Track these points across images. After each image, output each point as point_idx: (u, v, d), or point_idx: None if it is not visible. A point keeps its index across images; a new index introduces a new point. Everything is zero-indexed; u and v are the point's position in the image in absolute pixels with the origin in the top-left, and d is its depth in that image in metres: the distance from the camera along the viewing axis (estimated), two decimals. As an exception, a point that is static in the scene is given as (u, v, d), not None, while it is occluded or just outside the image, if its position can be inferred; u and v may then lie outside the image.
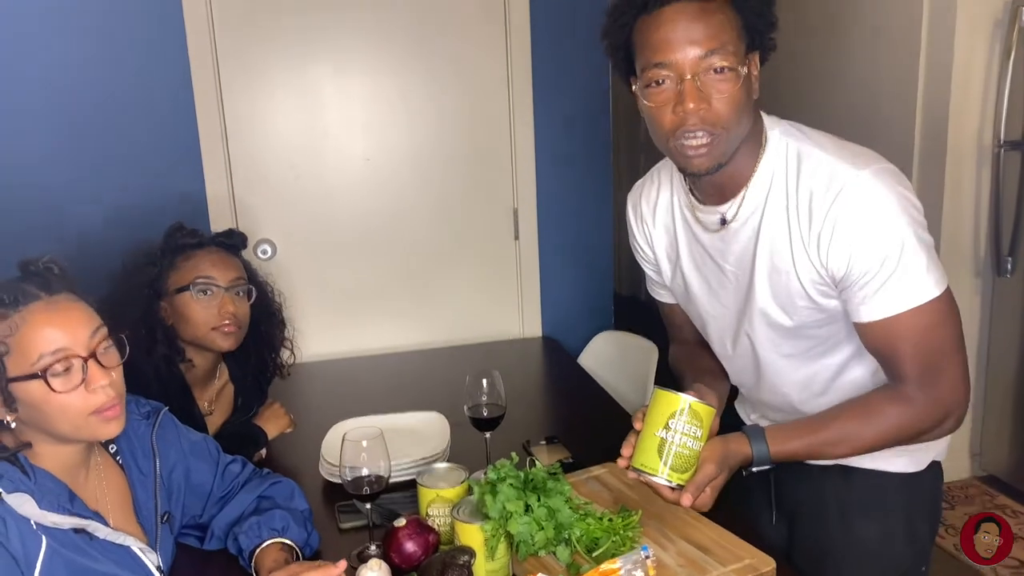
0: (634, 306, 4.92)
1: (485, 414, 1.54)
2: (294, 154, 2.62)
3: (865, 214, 1.13)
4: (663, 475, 1.18)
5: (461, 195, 2.76)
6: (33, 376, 1.08)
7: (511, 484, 1.25)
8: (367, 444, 1.32)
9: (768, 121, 1.23)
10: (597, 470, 1.53)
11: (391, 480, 1.36)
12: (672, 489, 1.19)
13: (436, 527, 1.32)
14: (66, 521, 1.12)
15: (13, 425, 1.11)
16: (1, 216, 2.37)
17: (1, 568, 1.05)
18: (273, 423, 1.81)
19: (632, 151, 4.79)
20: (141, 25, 2.42)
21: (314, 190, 2.65)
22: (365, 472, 1.32)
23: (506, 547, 1.23)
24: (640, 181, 1.44)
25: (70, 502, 1.14)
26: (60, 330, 1.10)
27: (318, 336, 2.60)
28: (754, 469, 1.24)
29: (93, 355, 1.12)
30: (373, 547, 1.34)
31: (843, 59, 3.11)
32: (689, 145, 1.15)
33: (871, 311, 1.17)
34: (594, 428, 1.90)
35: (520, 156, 2.76)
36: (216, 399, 1.82)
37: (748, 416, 1.52)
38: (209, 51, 2.48)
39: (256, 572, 1.27)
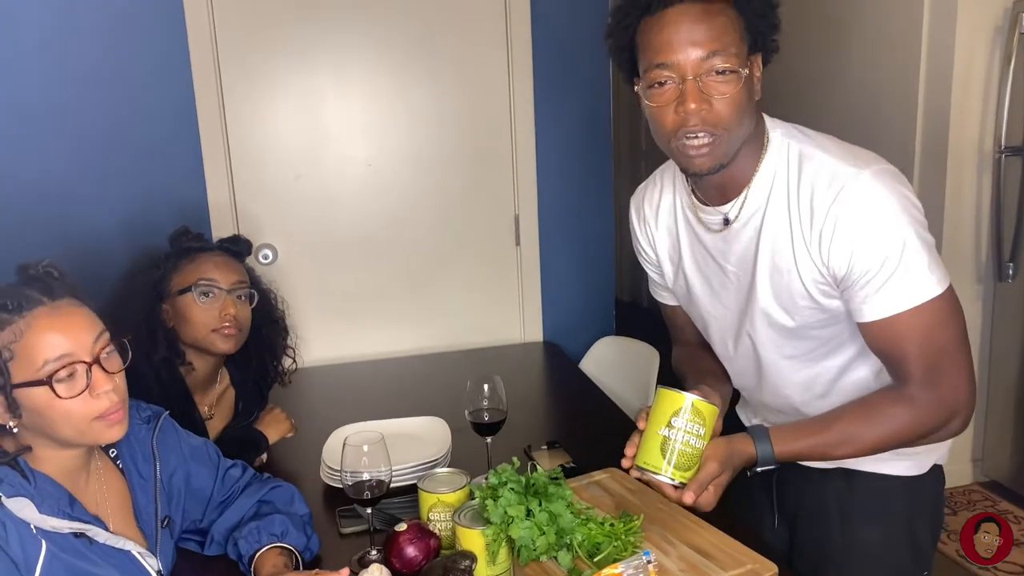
0: (635, 312, 4.94)
1: (486, 419, 1.54)
2: (295, 159, 2.62)
3: (866, 213, 1.13)
4: (666, 473, 1.18)
5: (462, 200, 2.76)
6: (38, 383, 1.08)
7: (512, 489, 1.25)
8: (368, 449, 1.32)
9: (770, 123, 1.24)
10: (599, 475, 1.53)
11: (392, 485, 1.36)
12: (675, 488, 1.19)
13: (437, 532, 1.31)
14: (66, 525, 1.11)
15: (16, 430, 1.11)
16: (5, 223, 2.37)
17: (1, 572, 1.04)
18: (274, 428, 1.81)
19: (633, 157, 4.80)
20: (143, 33, 2.42)
21: (315, 195, 2.65)
22: (366, 477, 1.32)
23: (507, 552, 1.23)
24: (643, 184, 1.45)
25: (70, 506, 1.14)
26: (64, 336, 1.10)
27: (319, 341, 2.60)
28: (758, 469, 1.23)
29: (97, 360, 1.12)
30: (374, 552, 1.34)
31: (844, 65, 3.11)
32: (691, 145, 1.15)
33: (873, 310, 1.17)
34: (595, 433, 1.89)
35: (521, 161, 2.77)
36: (217, 404, 1.82)
37: (749, 420, 1.52)
38: (211, 57, 2.48)
39: (256, 577, 1.26)
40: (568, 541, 1.22)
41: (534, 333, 2.89)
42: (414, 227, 2.74)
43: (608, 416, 2.03)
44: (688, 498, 1.16)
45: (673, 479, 1.18)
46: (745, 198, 1.23)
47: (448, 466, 1.55)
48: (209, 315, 1.67)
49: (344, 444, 1.33)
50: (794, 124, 1.26)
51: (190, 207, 2.52)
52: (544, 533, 1.21)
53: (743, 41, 1.14)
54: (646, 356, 2.34)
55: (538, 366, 2.72)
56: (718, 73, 1.12)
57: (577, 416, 2.12)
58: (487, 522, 1.23)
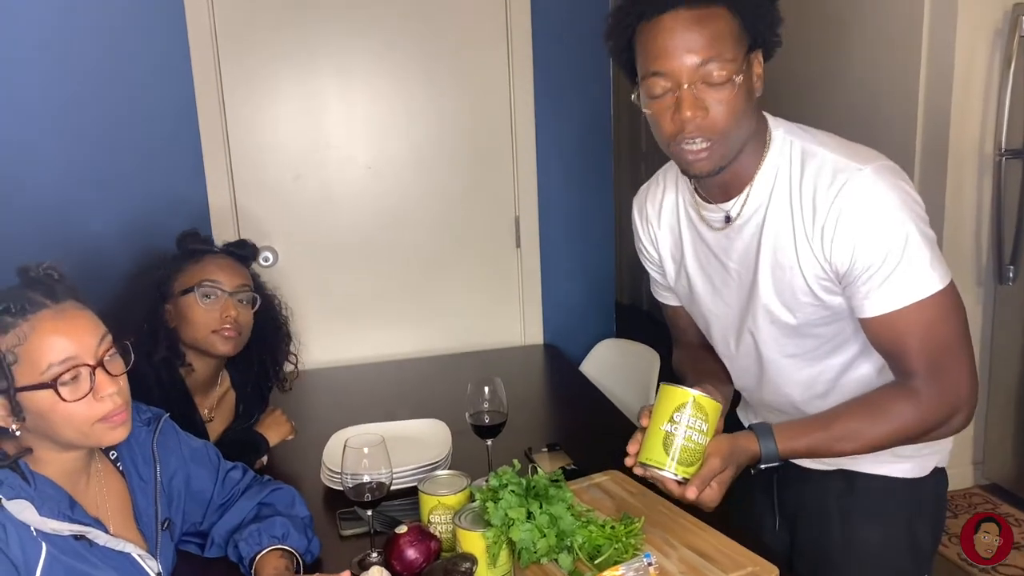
0: (636, 315, 4.94)
1: (487, 421, 1.54)
2: (296, 161, 2.62)
3: (868, 208, 1.14)
4: (669, 468, 1.18)
5: (463, 202, 2.76)
6: (43, 386, 1.08)
7: (513, 491, 1.25)
8: (369, 451, 1.32)
9: (772, 121, 1.25)
10: (599, 477, 1.53)
11: (392, 487, 1.36)
12: (679, 483, 1.18)
13: (438, 534, 1.31)
14: (66, 528, 1.11)
15: (18, 433, 1.11)
16: (5, 226, 2.37)
17: (1, 574, 1.04)
18: (274, 430, 1.81)
19: (634, 158, 4.81)
20: (144, 34, 2.43)
21: (315, 197, 2.65)
22: (367, 479, 1.32)
23: (508, 554, 1.23)
24: (645, 185, 1.46)
25: (70, 509, 1.14)
26: (68, 339, 1.10)
27: (320, 343, 2.60)
28: (762, 466, 1.23)
29: (100, 363, 1.12)
30: (374, 554, 1.33)
31: (844, 67, 3.12)
32: (689, 150, 1.16)
33: (875, 305, 1.17)
34: (596, 435, 1.89)
35: (522, 164, 2.77)
36: (217, 406, 1.82)
37: (749, 422, 1.51)
38: (211, 59, 2.49)
39: (256, 579, 1.26)
40: (569, 543, 1.22)
41: (534, 335, 2.89)
42: (414, 229, 2.74)
43: (608, 418, 2.03)
44: (691, 493, 1.16)
45: (676, 474, 1.18)
46: (747, 195, 1.23)
47: (449, 468, 1.55)
48: (210, 316, 1.67)
49: (345, 446, 1.33)
50: (796, 123, 1.26)
51: (190, 209, 2.52)
52: (545, 535, 1.21)
53: (741, 42, 1.14)
54: (646, 358, 2.33)
55: (538, 368, 2.72)
56: (713, 80, 1.12)
57: (578, 418, 2.12)
58: (488, 524, 1.23)
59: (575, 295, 2.91)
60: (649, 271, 1.50)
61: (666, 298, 1.51)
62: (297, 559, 1.30)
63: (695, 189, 1.32)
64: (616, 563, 1.20)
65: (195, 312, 1.67)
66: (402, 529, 1.27)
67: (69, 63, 2.39)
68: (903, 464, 1.33)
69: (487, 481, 1.32)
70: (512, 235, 2.82)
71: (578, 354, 2.71)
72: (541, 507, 1.23)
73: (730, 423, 1.51)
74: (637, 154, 4.81)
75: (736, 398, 1.52)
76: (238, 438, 1.75)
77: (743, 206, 1.24)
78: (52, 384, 1.08)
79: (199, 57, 2.47)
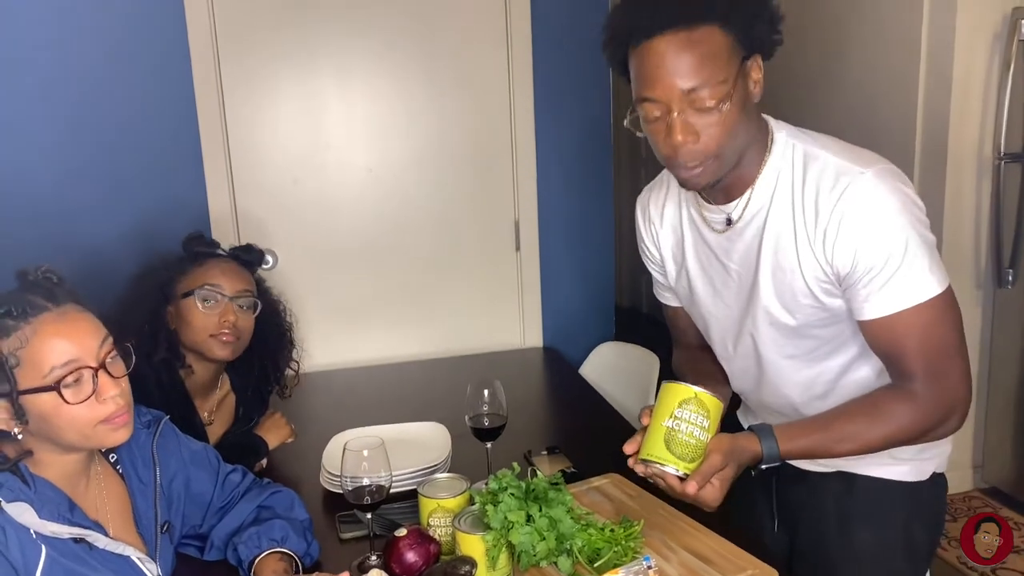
0: (635, 318, 4.94)
1: (486, 424, 1.54)
2: (296, 165, 2.62)
3: (870, 211, 1.14)
4: (671, 464, 1.18)
5: (463, 206, 2.77)
6: (46, 388, 1.08)
7: (512, 494, 1.25)
8: (368, 454, 1.32)
9: (774, 124, 1.25)
10: (599, 480, 1.53)
11: (392, 490, 1.36)
12: (680, 480, 1.18)
13: (437, 537, 1.31)
14: (66, 530, 1.11)
15: (20, 437, 1.11)
16: (6, 231, 2.37)
17: (1, 577, 1.04)
18: (274, 433, 1.81)
19: (633, 162, 4.81)
20: (145, 40, 2.43)
21: (316, 200, 2.66)
22: (366, 482, 1.32)
23: (507, 557, 1.23)
24: (648, 185, 1.46)
25: (70, 511, 1.14)
26: (70, 341, 1.10)
27: (320, 346, 2.60)
28: (763, 467, 1.23)
29: (103, 365, 1.12)
30: (374, 557, 1.33)
31: (843, 70, 3.12)
32: (683, 167, 1.18)
33: (875, 308, 1.18)
34: (595, 438, 1.89)
35: (522, 167, 2.77)
36: (217, 409, 1.82)
37: (749, 424, 1.51)
38: (212, 62, 2.49)
39: (256, 582, 1.26)
40: (568, 546, 1.22)
41: (534, 338, 2.89)
42: (414, 232, 2.74)
43: (608, 421, 2.02)
44: (691, 488, 1.16)
45: (678, 470, 1.18)
46: (749, 198, 1.24)
47: (448, 471, 1.55)
48: (209, 320, 1.67)
49: (344, 449, 1.33)
50: (797, 126, 1.26)
51: (191, 212, 2.52)
52: (544, 538, 1.21)
53: (735, 56, 1.13)
54: (646, 361, 2.34)
55: (538, 371, 2.72)
56: (703, 106, 1.12)
57: (577, 421, 2.12)
58: (487, 527, 1.23)
59: (575, 298, 2.92)
60: (651, 271, 1.50)
61: (667, 298, 1.51)
62: (296, 562, 1.30)
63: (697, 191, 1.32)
64: (616, 566, 1.20)
65: (194, 315, 1.67)
66: (401, 532, 1.27)
67: (70, 66, 2.39)
68: (901, 467, 1.34)
69: (486, 484, 1.32)
70: (512, 238, 2.82)
71: (578, 357, 2.72)
72: (540, 510, 1.23)
73: (730, 426, 1.51)
74: (637, 157, 4.81)
75: (736, 401, 1.52)
76: (238, 441, 1.75)
77: (744, 208, 1.25)
78: (55, 387, 1.08)
79: (199, 59, 2.47)
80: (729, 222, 1.27)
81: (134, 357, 1.19)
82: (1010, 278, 2.73)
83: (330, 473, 1.60)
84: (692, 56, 1.10)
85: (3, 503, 1.07)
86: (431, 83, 2.67)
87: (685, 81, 1.10)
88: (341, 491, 1.36)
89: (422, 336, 2.78)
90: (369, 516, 1.35)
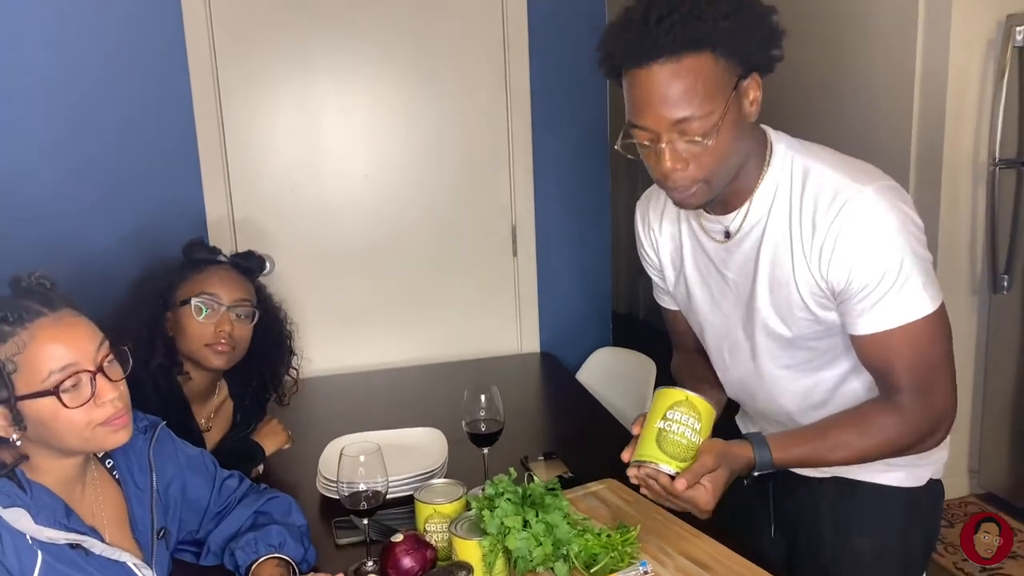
0: (632, 323, 4.94)
1: (483, 429, 1.54)
2: (294, 171, 2.63)
3: (867, 229, 1.14)
4: (663, 462, 1.18)
5: (460, 211, 2.77)
6: (44, 393, 1.08)
7: (509, 499, 1.25)
8: (365, 459, 1.32)
9: (774, 135, 1.25)
10: (595, 486, 1.53)
11: (388, 496, 1.36)
12: (672, 478, 1.19)
13: (434, 543, 1.31)
14: (62, 536, 1.11)
15: (19, 443, 1.11)
16: (7, 235, 2.37)
17: (-3, 582, 1.04)
18: (271, 439, 1.80)
19: (630, 167, 4.81)
20: (142, 44, 2.43)
21: (313, 206, 2.66)
22: (362, 487, 1.32)
23: (504, 563, 1.23)
24: (648, 191, 1.46)
25: (66, 517, 1.14)
26: (67, 346, 1.10)
27: (316, 352, 2.59)
28: (755, 473, 1.24)
29: (100, 369, 1.13)
30: (370, 563, 1.33)
31: (838, 78, 3.13)
32: (674, 191, 1.19)
33: (867, 324, 1.18)
34: (592, 444, 1.89)
35: (518, 172, 2.77)
36: (214, 415, 1.82)
37: (748, 429, 1.52)
38: (210, 70, 2.49)
39: (253, 588, 1.26)
40: (565, 552, 1.22)
41: (531, 344, 2.89)
42: (411, 238, 2.75)
43: (605, 427, 2.03)
44: (680, 485, 1.16)
45: (670, 468, 1.18)
46: (748, 210, 1.24)
47: (445, 477, 1.55)
48: (205, 329, 1.67)
49: (340, 455, 1.33)
50: (796, 138, 1.26)
51: (188, 217, 2.52)
52: (541, 544, 1.21)
53: (728, 81, 1.11)
54: (643, 367, 2.34)
55: (535, 377, 2.72)
56: (691, 136, 1.11)
57: (574, 427, 2.12)
58: (484, 533, 1.23)
59: (572, 303, 2.92)
60: (650, 274, 1.50)
61: (666, 302, 1.52)
62: (294, 568, 1.30)
63: None
64: (612, 571, 1.20)
65: (190, 324, 1.67)
66: (398, 538, 1.27)
67: (67, 71, 2.39)
68: (897, 473, 1.34)
69: (483, 489, 1.32)
70: (509, 244, 2.82)
71: (575, 362, 2.72)
72: (537, 515, 1.23)
73: (728, 431, 1.51)
74: (634, 162, 4.82)
75: (735, 406, 1.52)
76: (234, 447, 1.75)
77: (743, 220, 1.25)
78: (53, 391, 1.08)
79: (196, 63, 2.47)
80: (727, 235, 1.28)
81: (131, 360, 1.19)
82: (1005, 283, 2.74)
83: (327, 479, 1.59)
84: (681, 86, 1.09)
85: (0, 508, 1.06)
86: (428, 89, 2.68)
87: (674, 111, 1.10)
88: (337, 497, 1.36)
89: (419, 341, 2.78)
90: (365, 522, 1.35)
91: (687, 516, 1.31)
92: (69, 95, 2.40)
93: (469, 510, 1.31)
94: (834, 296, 1.20)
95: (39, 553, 1.08)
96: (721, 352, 1.40)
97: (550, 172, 2.80)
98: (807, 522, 1.42)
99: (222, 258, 1.78)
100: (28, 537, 1.08)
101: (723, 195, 1.23)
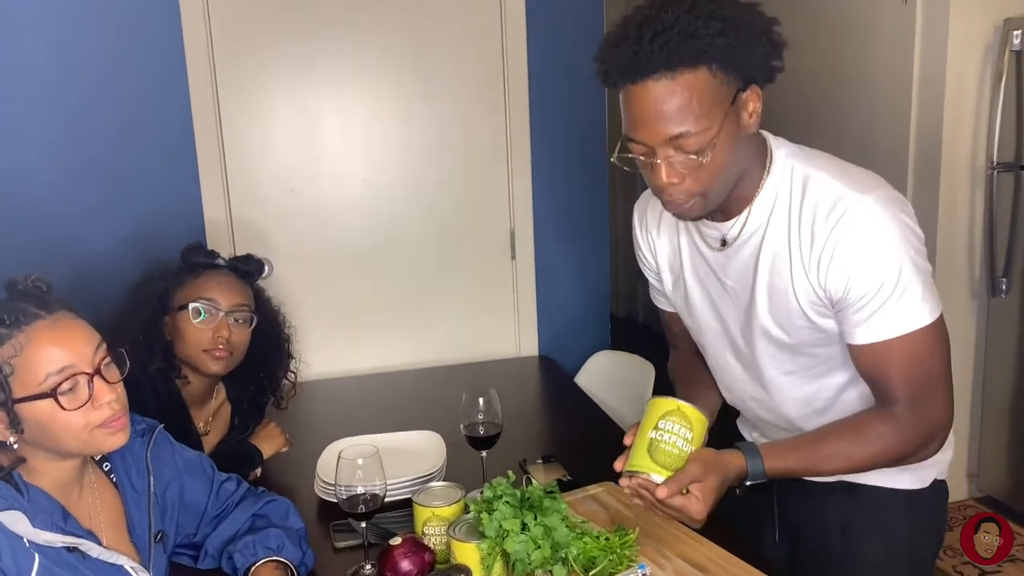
0: (631, 327, 4.94)
1: (481, 433, 1.54)
2: (292, 174, 2.62)
3: (866, 239, 1.14)
4: (653, 472, 1.18)
5: (458, 215, 2.77)
6: (42, 396, 1.08)
7: (507, 502, 1.25)
8: (363, 462, 1.32)
9: (773, 142, 1.24)
10: (594, 489, 1.53)
11: (387, 499, 1.36)
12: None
13: (432, 546, 1.31)
14: (59, 539, 1.11)
15: (16, 446, 1.11)
16: (6, 235, 2.37)
17: (-7, 586, 1.04)
18: (268, 442, 1.80)
19: (629, 172, 4.82)
20: (140, 47, 2.43)
21: (312, 209, 2.66)
22: (361, 490, 1.31)
23: (502, 566, 1.23)
24: (646, 192, 1.43)
25: (63, 520, 1.13)
26: (64, 348, 1.10)
27: (315, 355, 2.59)
28: (748, 483, 1.23)
29: (98, 371, 1.13)
30: (368, 566, 1.33)
31: (836, 82, 3.14)
32: (671, 204, 1.19)
33: (865, 334, 1.18)
34: (591, 447, 1.89)
35: (517, 175, 2.78)
36: (212, 419, 1.82)
37: (750, 434, 1.52)
38: (208, 71, 2.49)
39: (250, 591, 1.26)
40: (563, 555, 1.22)
41: (529, 347, 2.89)
42: (410, 241, 2.75)
43: (603, 430, 2.02)
44: (661, 492, 1.16)
45: (660, 477, 1.18)
46: (747, 217, 1.23)
47: (443, 480, 1.55)
48: (203, 335, 1.66)
49: (339, 458, 1.33)
50: (797, 144, 1.25)
51: (186, 219, 2.52)
52: (539, 547, 1.21)
53: (724, 96, 1.10)
54: (641, 370, 2.34)
55: (533, 380, 2.72)
56: (687, 151, 1.11)
57: (572, 430, 2.12)
58: (482, 536, 1.23)
59: (570, 307, 2.92)
60: (647, 276, 1.50)
61: (663, 303, 1.51)
62: (292, 571, 1.30)
63: None
64: (611, 574, 1.20)
65: (188, 329, 1.67)
66: (396, 541, 1.27)
67: (67, 73, 2.39)
68: (903, 476, 1.33)
69: (481, 492, 1.31)
70: (507, 247, 2.83)
71: (573, 366, 2.72)
72: (536, 518, 1.23)
73: (730, 433, 1.51)
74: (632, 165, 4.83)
75: (735, 411, 1.52)
76: (232, 450, 1.75)
77: (742, 228, 1.24)
78: (51, 394, 1.08)
79: (195, 66, 2.48)
80: (724, 243, 1.27)
81: (128, 363, 1.19)
82: (1004, 287, 2.74)
83: (325, 482, 1.59)
84: (676, 102, 1.08)
85: (-4, 512, 1.06)
86: (427, 91, 2.68)
87: (669, 127, 1.09)
88: (335, 500, 1.36)
89: (417, 344, 2.78)
90: (364, 525, 1.35)
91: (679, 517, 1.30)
92: (67, 96, 2.40)
93: (467, 513, 1.31)
94: (832, 305, 1.19)
95: (36, 556, 1.08)
96: (721, 358, 1.39)
97: (548, 175, 2.80)
98: (812, 526, 1.41)
99: (220, 262, 1.78)
100: (25, 540, 1.08)
101: (722, 203, 1.22)
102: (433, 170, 2.73)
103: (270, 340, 1.83)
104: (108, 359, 1.16)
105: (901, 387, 1.19)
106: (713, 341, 1.39)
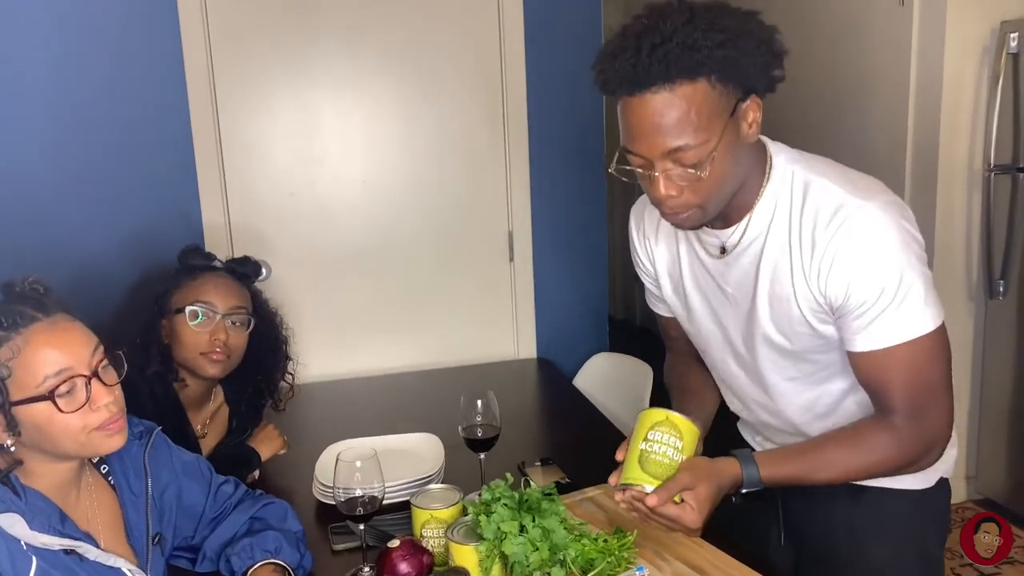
0: (629, 329, 4.94)
1: (480, 435, 1.54)
2: (290, 176, 2.63)
3: (867, 245, 1.13)
4: (644, 482, 1.18)
5: (457, 217, 2.77)
6: (40, 398, 1.08)
7: (506, 505, 1.25)
8: (361, 465, 1.31)
9: (773, 147, 1.23)
10: (592, 491, 1.53)
11: (385, 501, 1.36)
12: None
13: (430, 548, 1.31)
14: (56, 542, 1.11)
15: (13, 448, 1.10)
16: (6, 241, 2.36)
17: (-9, 589, 1.04)
18: (266, 445, 1.80)
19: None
20: (139, 50, 2.43)
21: (310, 212, 2.66)
22: (359, 493, 1.31)
23: (501, 568, 1.23)
24: (643, 196, 1.41)
25: (61, 523, 1.13)
26: (62, 351, 1.10)
27: (313, 357, 2.58)
28: (743, 491, 1.23)
29: (95, 374, 1.12)
30: (367, 569, 1.33)
31: (833, 86, 3.14)
32: (669, 215, 1.18)
33: (865, 341, 1.17)
34: (589, 449, 1.88)
35: (515, 177, 2.78)
36: (210, 421, 1.81)
37: (753, 438, 1.51)
38: (206, 73, 2.49)
39: (248, 594, 1.26)
40: (562, 557, 1.22)
41: (528, 349, 2.89)
42: (408, 243, 2.75)
43: (602, 433, 2.02)
44: (651, 500, 1.16)
45: (651, 487, 1.18)
46: (747, 224, 1.22)
47: (441, 482, 1.55)
48: (200, 338, 1.66)
49: (337, 460, 1.33)
50: (796, 149, 1.24)
51: (185, 222, 2.52)
52: (537, 549, 1.21)
53: (723, 108, 1.09)
54: (639, 372, 2.34)
55: (532, 382, 2.72)
56: (685, 165, 1.10)
57: (571, 432, 2.12)
58: (480, 538, 1.23)
59: (568, 309, 2.92)
60: (644, 281, 1.49)
61: (660, 308, 1.50)
62: (290, 574, 1.30)
63: None
64: (609, 577, 1.20)
65: (185, 332, 1.66)
66: (394, 543, 1.27)
67: (66, 75, 2.39)
68: (910, 476, 1.31)
69: (480, 495, 1.31)
70: (506, 249, 2.83)
71: (571, 368, 2.72)
72: (534, 520, 1.23)
73: (729, 437, 1.51)
74: (630, 169, 4.84)
75: (735, 416, 1.51)
76: (230, 452, 1.75)
77: (743, 235, 1.23)
78: (49, 396, 1.08)
79: (193, 68, 2.48)
80: (724, 250, 1.26)
81: (126, 365, 1.19)
82: (1001, 289, 2.74)
83: (323, 484, 1.59)
84: (675, 115, 1.06)
85: (-6, 514, 1.06)
86: (426, 94, 2.68)
87: (668, 140, 1.08)
88: (334, 502, 1.36)
89: (416, 347, 2.78)
90: (362, 527, 1.34)
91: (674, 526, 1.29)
92: (66, 99, 2.40)
93: (466, 515, 1.31)
94: (832, 311, 1.19)
95: (33, 559, 1.08)
96: (723, 363, 1.38)
97: (546, 177, 2.81)
98: (817, 528, 1.40)
99: (217, 264, 1.78)
100: (23, 543, 1.07)
101: (722, 211, 1.21)
102: (431, 172, 2.73)
103: (268, 342, 1.83)
104: (106, 361, 1.15)
105: (900, 396, 1.18)
106: (714, 347, 1.38)
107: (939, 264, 2.77)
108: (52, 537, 1.10)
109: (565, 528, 1.24)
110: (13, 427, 1.09)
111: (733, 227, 1.24)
